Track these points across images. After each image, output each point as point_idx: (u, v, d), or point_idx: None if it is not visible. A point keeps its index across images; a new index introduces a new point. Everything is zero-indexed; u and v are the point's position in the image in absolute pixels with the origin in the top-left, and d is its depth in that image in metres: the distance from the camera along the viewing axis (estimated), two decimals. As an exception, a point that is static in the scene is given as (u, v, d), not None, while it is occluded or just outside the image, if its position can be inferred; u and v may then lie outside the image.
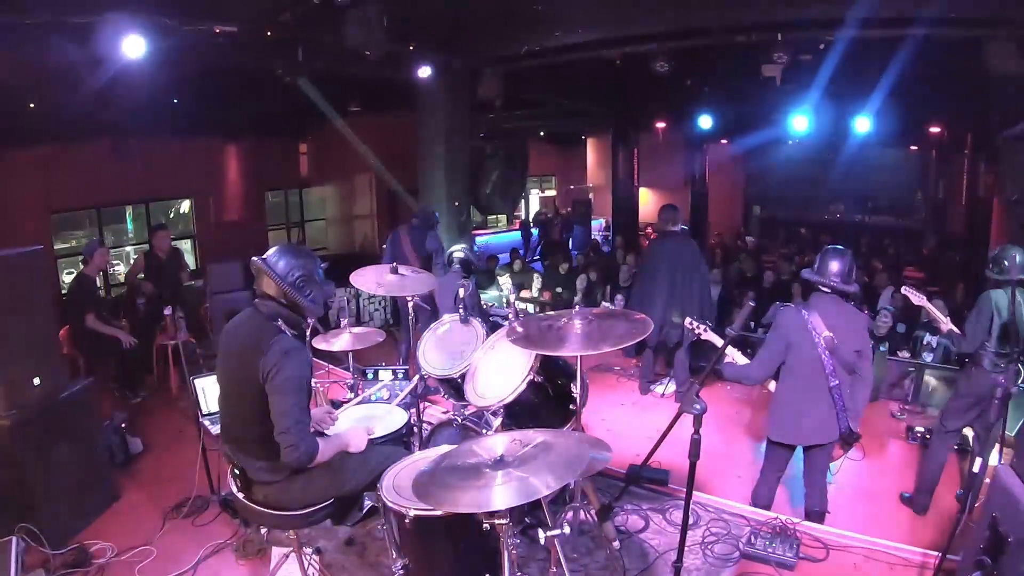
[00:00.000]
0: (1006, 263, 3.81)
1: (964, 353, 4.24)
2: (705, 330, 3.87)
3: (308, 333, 4.04)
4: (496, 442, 2.26)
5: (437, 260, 6.31)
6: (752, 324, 6.68)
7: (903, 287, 5.06)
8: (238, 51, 6.00)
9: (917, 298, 4.40)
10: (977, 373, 4.01)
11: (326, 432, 2.98)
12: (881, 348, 6.32)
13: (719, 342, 3.81)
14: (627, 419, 5.58)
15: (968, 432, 4.51)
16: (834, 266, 3.39)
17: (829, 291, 3.40)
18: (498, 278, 9.53)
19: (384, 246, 6.63)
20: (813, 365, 3.38)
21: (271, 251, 2.68)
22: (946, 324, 4.21)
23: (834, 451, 3.63)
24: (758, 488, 3.85)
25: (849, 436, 3.53)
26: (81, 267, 5.91)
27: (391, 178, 8.81)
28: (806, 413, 3.46)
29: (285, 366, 2.46)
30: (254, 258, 2.65)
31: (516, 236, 14.99)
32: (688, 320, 4.00)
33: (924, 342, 6.44)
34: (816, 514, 3.74)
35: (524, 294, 8.97)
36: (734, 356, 3.64)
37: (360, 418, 3.53)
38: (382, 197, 11.75)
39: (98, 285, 6.35)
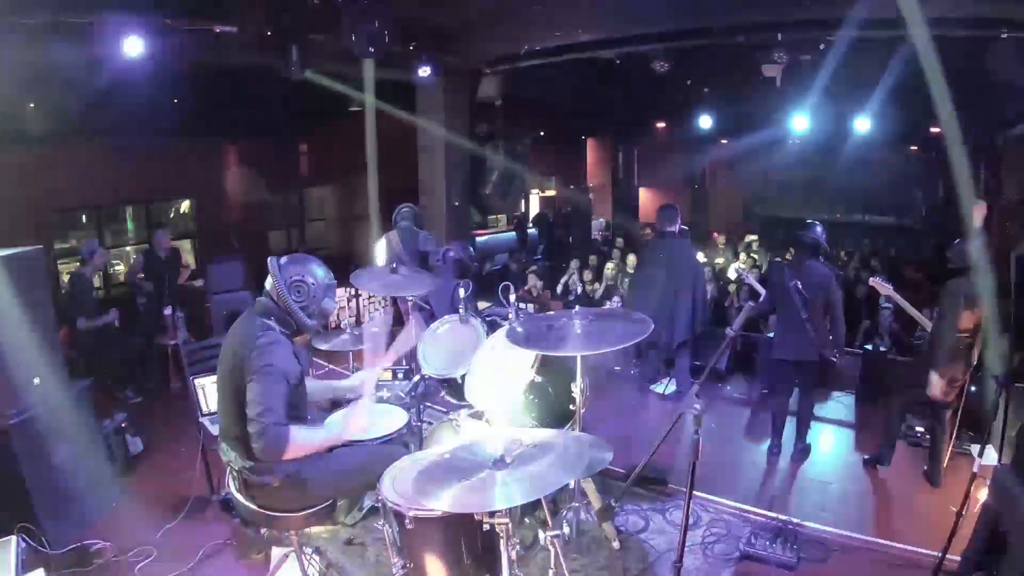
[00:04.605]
0: (966, 253, 4.24)
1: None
2: (747, 276, 5.89)
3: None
4: (496, 442, 2.26)
5: (434, 261, 6.28)
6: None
7: (871, 278, 5.20)
8: (238, 51, 5.99)
9: (884, 288, 5.01)
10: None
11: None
12: (881, 347, 6.32)
13: (761, 289, 5.50)
14: (627, 419, 5.58)
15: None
16: (817, 228, 5.45)
17: (811, 242, 4.81)
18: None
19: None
20: (790, 302, 4.65)
21: (290, 255, 2.71)
22: (915, 312, 4.89)
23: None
24: (776, 404, 4.90)
25: (826, 361, 4.69)
26: (79, 267, 5.91)
27: (383, 180, 8.80)
28: (789, 334, 4.74)
29: (264, 354, 2.46)
30: (271, 257, 2.68)
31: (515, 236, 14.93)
32: (736, 267, 5.80)
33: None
34: (805, 409, 4.88)
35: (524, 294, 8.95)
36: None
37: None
38: (382, 197, 11.74)
39: (95, 286, 6.34)
